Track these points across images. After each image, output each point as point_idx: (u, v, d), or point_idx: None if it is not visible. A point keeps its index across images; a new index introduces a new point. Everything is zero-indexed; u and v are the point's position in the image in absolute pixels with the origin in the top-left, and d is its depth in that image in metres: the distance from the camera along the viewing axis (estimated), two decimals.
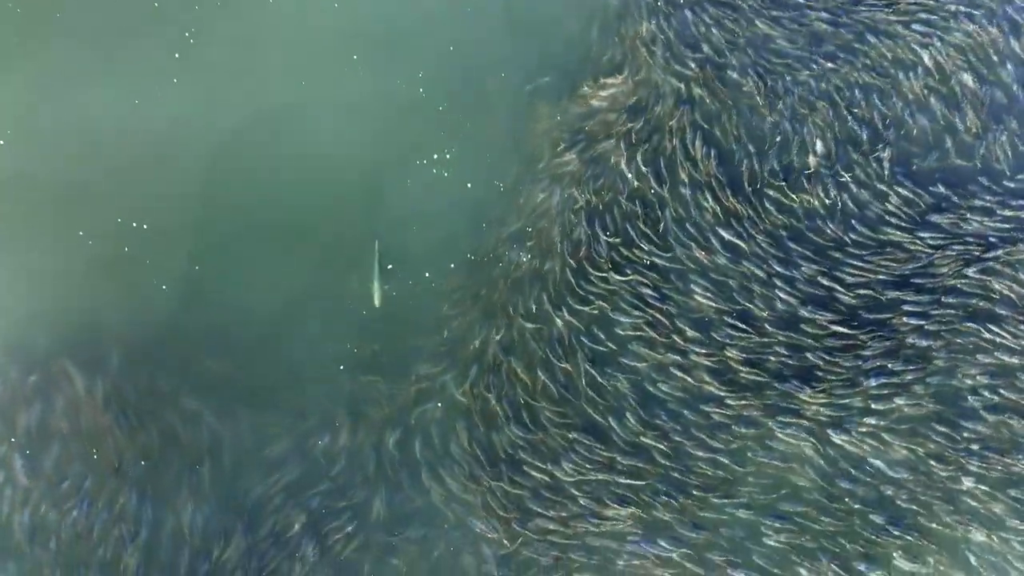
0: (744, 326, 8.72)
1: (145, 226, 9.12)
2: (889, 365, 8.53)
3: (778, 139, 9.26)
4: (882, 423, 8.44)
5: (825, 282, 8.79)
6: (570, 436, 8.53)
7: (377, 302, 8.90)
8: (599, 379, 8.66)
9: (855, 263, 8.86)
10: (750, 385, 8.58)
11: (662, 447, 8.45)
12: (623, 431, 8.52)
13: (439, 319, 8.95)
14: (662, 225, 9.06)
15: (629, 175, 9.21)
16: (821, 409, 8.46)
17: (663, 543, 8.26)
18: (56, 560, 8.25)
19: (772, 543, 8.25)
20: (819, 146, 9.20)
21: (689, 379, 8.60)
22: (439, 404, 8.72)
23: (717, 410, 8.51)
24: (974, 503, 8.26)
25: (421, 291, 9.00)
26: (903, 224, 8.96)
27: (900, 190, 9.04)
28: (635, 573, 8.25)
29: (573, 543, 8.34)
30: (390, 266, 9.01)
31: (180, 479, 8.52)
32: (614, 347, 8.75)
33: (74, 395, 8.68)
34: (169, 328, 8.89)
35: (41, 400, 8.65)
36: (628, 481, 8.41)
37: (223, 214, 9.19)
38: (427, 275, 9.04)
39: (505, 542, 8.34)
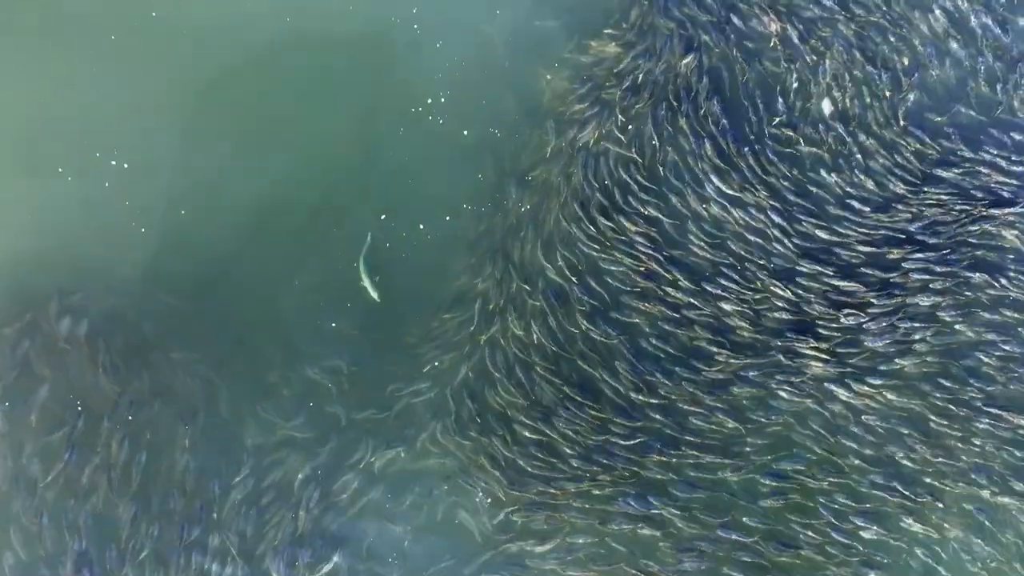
0: (742, 279, 8.55)
1: (125, 165, 8.84)
2: (894, 322, 8.38)
3: (794, 85, 8.95)
4: (887, 381, 8.30)
5: (824, 235, 8.62)
6: (565, 392, 8.42)
7: (375, 296, 8.58)
8: (594, 333, 8.51)
9: (858, 218, 8.66)
10: (749, 342, 8.45)
11: (656, 403, 8.34)
12: (618, 387, 8.40)
13: (435, 270, 8.74)
14: (662, 174, 8.81)
15: (631, 123, 8.93)
16: (823, 367, 8.33)
17: (653, 501, 8.18)
18: (40, 508, 8.15)
19: (769, 503, 8.20)
20: (826, 105, 8.90)
21: (685, 334, 8.46)
22: (436, 363, 8.57)
23: (713, 368, 8.39)
24: (982, 462, 8.17)
25: (417, 242, 8.76)
26: (910, 178, 8.72)
27: (911, 141, 8.77)
28: (628, 534, 8.19)
29: (567, 504, 8.24)
30: (387, 242, 8.76)
31: (174, 427, 8.38)
32: (609, 299, 8.58)
33: (56, 340, 8.51)
34: (150, 273, 8.68)
35: (20, 346, 8.48)
36: (623, 441, 8.31)
37: (207, 157, 8.89)
38: (422, 227, 8.79)
39: (502, 498, 8.27)
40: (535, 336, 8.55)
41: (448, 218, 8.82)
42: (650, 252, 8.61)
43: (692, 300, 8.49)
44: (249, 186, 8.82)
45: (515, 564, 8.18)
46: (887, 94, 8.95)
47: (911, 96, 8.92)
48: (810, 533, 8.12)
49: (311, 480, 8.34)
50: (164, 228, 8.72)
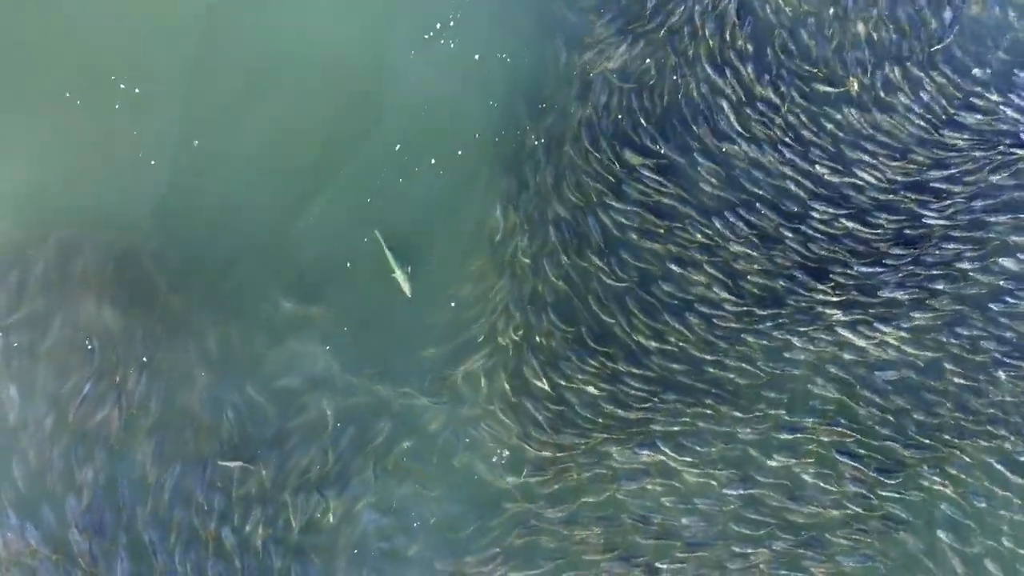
0: (755, 219, 8.44)
1: (137, 90, 8.60)
2: (914, 270, 8.26)
3: (829, 31, 8.67)
4: (905, 331, 8.19)
5: (836, 180, 8.49)
6: (576, 341, 8.34)
7: (408, 291, 8.35)
8: (604, 274, 8.42)
9: (876, 161, 8.49)
10: (761, 288, 8.34)
11: (668, 350, 8.26)
12: (632, 335, 8.30)
13: (446, 206, 8.62)
14: (679, 108, 8.63)
15: (649, 53, 8.69)
16: (840, 316, 8.22)
17: (667, 450, 8.08)
18: (53, 439, 8.11)
19: (783, 458, 8.11)
20: (860, 27, 8.66)
21: (700, 279, 8.35)
22: (452, 304, 8.44)
23: (728, 317, 8.29)
24: (1002, 414, 8.12)
25: (427, 177, 8.61)
26: (934, 121, 8.52)
27: (939, 80, 8.56)
28: (637, 491, 8.11)
29: (581, 454, 8.15)
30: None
31: (188, 364, 8.31)
32: (620, 236, 8.47)
33: (62, 276, 8.41)
34: (159, 208, 8.51)
35: (26, 280, 8.39)
36: (638, 391, 8.20)
37: (219, 89, 8.67)
38: (433, 161, 8.62)
39: (527, 448, 8.18)
40: (546, 280, 8.44)
41: (460, 152, 8.64)
42: (661, 187, 8.47)
43: (703, 240, 8.38)
44: (260, 118, 8.61)
45: (525, 525, 8.10)
46: (924, 29, 8.68)
47: (947, 33, 8.64)
48: (831, 487, 8.03)
49: (337, 423, 8.26)
50: (174, 160, 8.52)
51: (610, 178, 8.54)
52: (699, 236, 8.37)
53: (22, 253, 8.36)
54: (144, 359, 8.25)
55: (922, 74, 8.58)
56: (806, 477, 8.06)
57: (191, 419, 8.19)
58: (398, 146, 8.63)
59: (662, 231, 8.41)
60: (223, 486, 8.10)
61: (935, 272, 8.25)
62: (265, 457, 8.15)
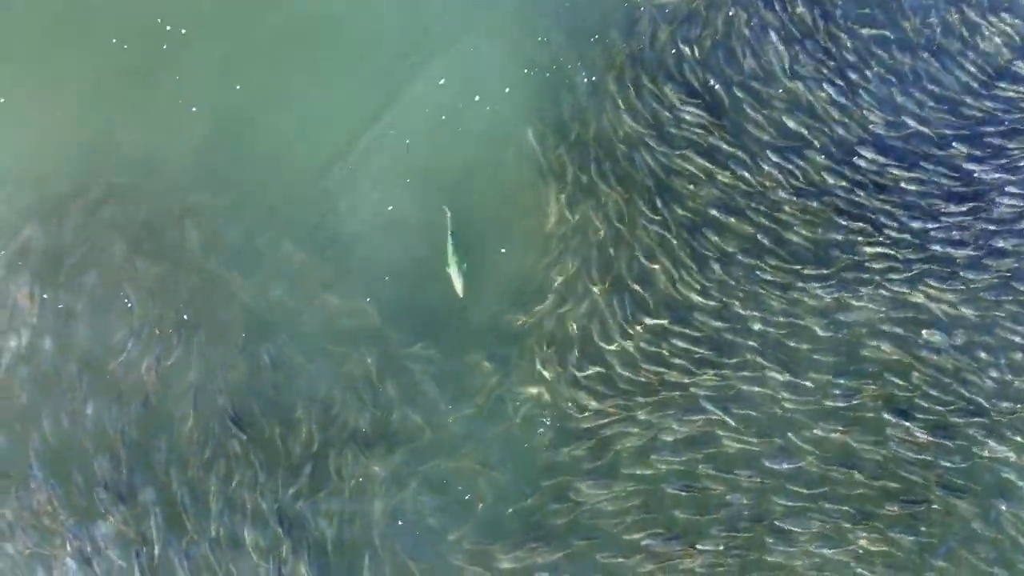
0: (799, 161, 8.21)
1: (183, 31, 8.53)
2: (970, 224, 7.97)
3: None
4: (959, 291, 7.89)
5: (890, 129, 8.26)
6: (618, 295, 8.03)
7: (460, 290, 7.95)
8: (653, 225, 8.13)
9: (927, 109, 8.29)
10: (812, 243, 8.05)
11: (715, 307, 7.95)
12: (678, 287, 8.01)
13: (494, 143, 8.41)
14: (728, 44, 8.47)
15: None
16: (893, 273, 7.92)
17: (713, 416, 7.71)
18: (88, 396, 7.81)
19: (831, 425, 7.68)
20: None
21: (745, 229, 8.08)
22: (503, 249, 8.17)
23: (775, 270, 8.00)
24: None
25: (473, 114, 8.43)
26: (989, 71, 8.30)
27: (1000, 26, 8.35)
28: (681, 461, 7.73)
29: (622, 421, 7.78)
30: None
31: (227, 323, 8.04)
32: (664, 179, 8.23)
33: (99, 228, 8.23)
34: (199, 159, 8.35)
35: (64, 226, 8.22)
36: (684, 351, 7.86)
37: (261, 30, 8.62)
38: (477, 98, 8.43)
39: (571, 415, 7.83)
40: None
41: (507, 89, 8.49)
42: (707, 127, 8.27)
43: (748, 188, 8.14)
44: (302, 60, 8.56)
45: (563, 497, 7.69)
46: None
47: None
48: (882, 455, 7.62)
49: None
50: (214, 108, 8.43)
51: (655, 118, 8.37)
52: (744, 182, 8.14)
53: (62, 203, 8.23)
54: (185, 316, 7.98)
55: (981, 20, 8.33)
56: (856, 445, 7.63)
57: (230, 376, 7.87)
58: (442, 80, 8.51)
59: (705, 176, 8.20)
60: (262, 446, 7.69)
61: (992, 228, 7.96)
62: (305, 416, 7.77)
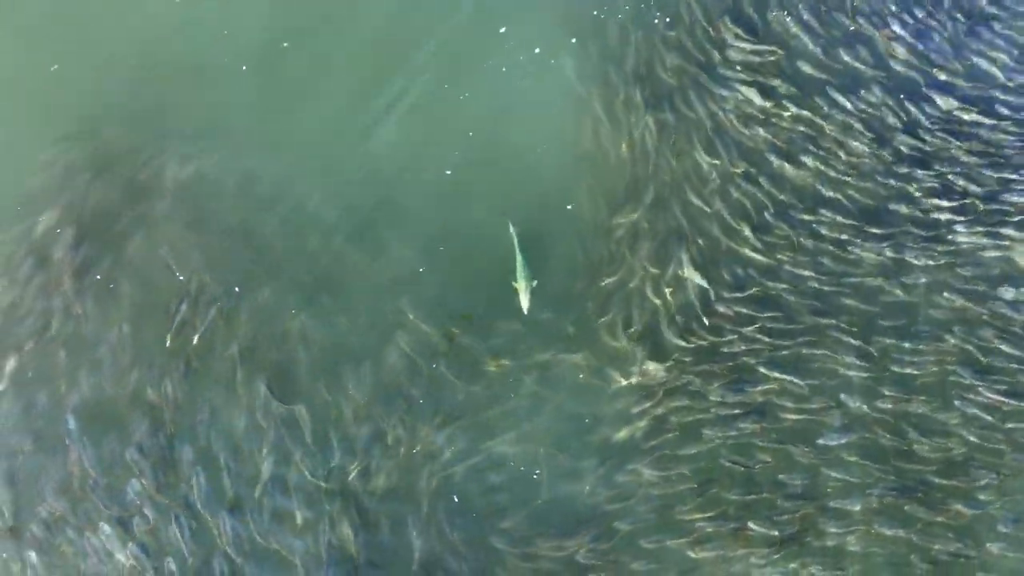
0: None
1: None
2: None
3: None
4: None
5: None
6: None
7: (525, 307, 7.56)
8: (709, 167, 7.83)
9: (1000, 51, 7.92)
10: (870, 196, 7.67)
11: (771, 265, 7.58)
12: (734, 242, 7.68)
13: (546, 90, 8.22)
14: None
15: None
16: (963, 226, 7.48)
17: (772, 383, 7.28)
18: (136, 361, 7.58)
19: (894, 392, 7.22)
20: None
21: (801, 175, 7.73)
22: (570, 207, 7.89)
23: (834, 223, 7.64)
24: None
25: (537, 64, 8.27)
26: None
27: None
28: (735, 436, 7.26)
29: (676, 394, 7.39)
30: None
31: (281, 295, 7.78)
32: (714, 123, 7.93)
33: (146, 188, 8.10)
34: (249, 125, 8.23)
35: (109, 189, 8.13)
36: (738, 314, 7.46)
37: None
38: (537, 50, 8.24)
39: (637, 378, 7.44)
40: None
41: (574, 40, 8.25)
42: (760, 61, 8.02)
43: (806, 130, 7.81)
44: (357, 22, 8.48)
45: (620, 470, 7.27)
46: None
47: None
48: (951, 420, 7.09)
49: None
50: (263, 66, 8.32)
51: (705, 55, 8.16)
52: (801, 120, 7.84)
53: (107, 164, 8.13)
54: (233, 284, 7.75)
55: None
56: (923, 411, 7.11)
57: (280, 342, 7.63)
58: (503, 29, 8.32)
59: (761, 115, 7.91)
60: (311, 412, 7.42)
61: None
62: (359, 383, 7.48)
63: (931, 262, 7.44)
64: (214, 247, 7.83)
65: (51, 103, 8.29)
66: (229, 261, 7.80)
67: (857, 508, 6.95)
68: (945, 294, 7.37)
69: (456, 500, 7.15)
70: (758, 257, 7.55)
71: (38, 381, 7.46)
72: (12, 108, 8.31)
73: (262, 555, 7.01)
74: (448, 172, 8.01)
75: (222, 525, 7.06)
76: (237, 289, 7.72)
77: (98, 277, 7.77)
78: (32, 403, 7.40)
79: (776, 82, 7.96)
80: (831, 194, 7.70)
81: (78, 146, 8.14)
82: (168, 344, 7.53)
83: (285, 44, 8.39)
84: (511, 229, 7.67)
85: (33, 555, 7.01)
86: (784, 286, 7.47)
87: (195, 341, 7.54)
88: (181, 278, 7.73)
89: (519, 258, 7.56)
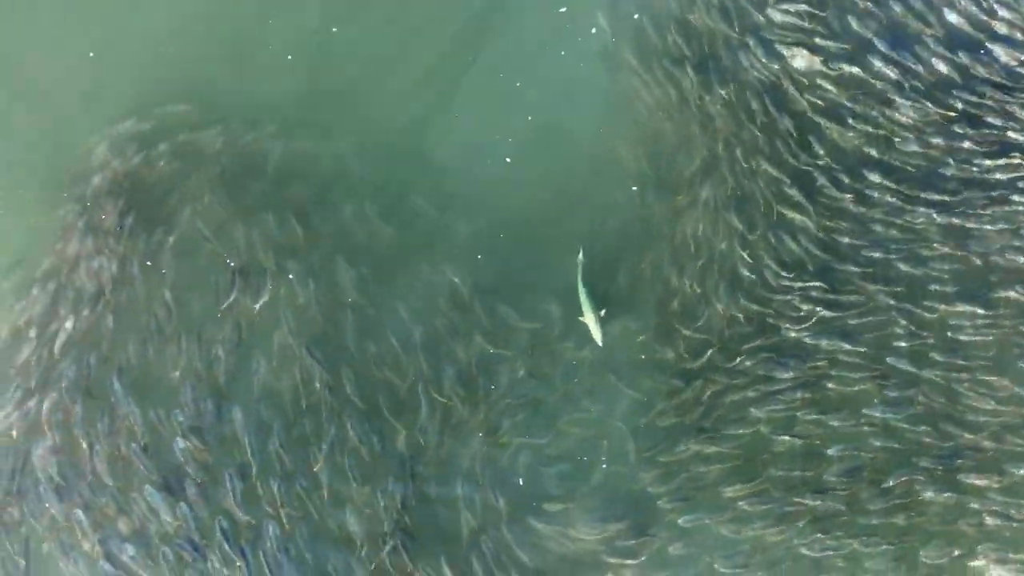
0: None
1: None
2: None
3: None
4: None
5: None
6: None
7: (599, 339, 7.36)
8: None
9: None
10: (926, 159, 7.38)
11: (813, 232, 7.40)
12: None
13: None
14: None
15: None
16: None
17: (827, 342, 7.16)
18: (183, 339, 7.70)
19: (947, 358, 7.05)
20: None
21: (849, 137, 7.47)
22: (634, 187, 7.82)
23: (884, 186, 7.36)
24: None
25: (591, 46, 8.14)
26: None
27: None
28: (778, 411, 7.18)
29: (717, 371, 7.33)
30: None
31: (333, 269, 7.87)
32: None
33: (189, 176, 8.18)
34: (293, 111, 8.27)
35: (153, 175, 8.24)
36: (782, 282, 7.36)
37: None
38: (594, 31, 8.09)
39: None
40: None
41: (636, 15, 8.05)
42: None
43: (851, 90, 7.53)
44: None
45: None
46: None
47: None
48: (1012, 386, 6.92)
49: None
50: (310, 55, 8.39)
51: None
52: (848, 79, 7.57)
53: (154, 148, 8.23)
54: (287, 264, 7.87)
55: None
56: (982, 376, 6.96)
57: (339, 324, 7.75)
58: (563, 8, 8.23)
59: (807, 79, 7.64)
60: (366, 393, 7.54)
61: None
62: (414, 362, 7.57)
63: (989, 226, 7.19)
64: (266, 223, 7.97)
65: (100, 83, 8.43)
66: (280, 237, 7.94)
67: (903, 479, 6.88)
68: (1007, 255, 7.13)
69: (511, 479, 7.30)
70: (809, 224, 7.39)
71: (90, 345, 7.72)
72: (61, 90, 8.45)
73: (315, 527, 7.26)
74: (508, 160, 8.02)
75: (275, 487, 7.25)
76: (290, 272, 7.85)
77: (148, 247, 7.96)
78: (85, 364, 7.64)
79: (822, 41, 7.70)
80: (882, 157, 7.45)
81: (128, 125, 8.28)
82: (219, 314, 7.73)
83: (334, 29, 8.45)
84: (579, 257, 7.56)
85: (80, 512, 7.24)
86: (834, 255, 7.34)
87: (256, 308, 7.71)
88: (228, 259, 7.91)
89: (582, 291, 7.44)
